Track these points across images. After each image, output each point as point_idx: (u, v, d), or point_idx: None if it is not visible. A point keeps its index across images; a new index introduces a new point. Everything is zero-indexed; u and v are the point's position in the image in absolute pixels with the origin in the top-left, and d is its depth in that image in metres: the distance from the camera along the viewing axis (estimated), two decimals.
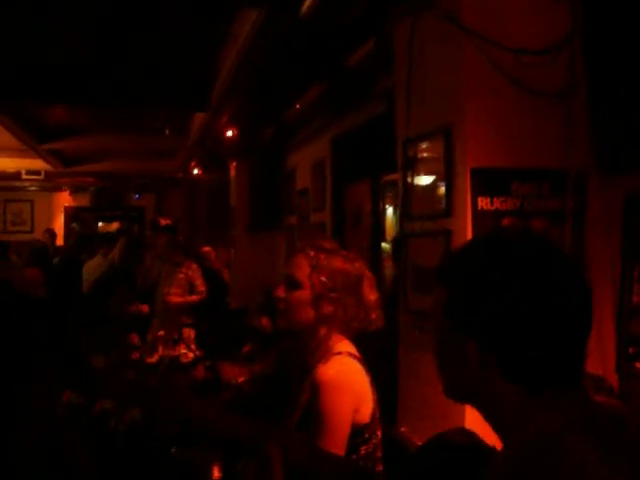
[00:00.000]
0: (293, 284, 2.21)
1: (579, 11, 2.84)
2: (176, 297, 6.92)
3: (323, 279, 2.17)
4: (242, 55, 5.05)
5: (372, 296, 2.23)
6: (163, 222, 8.05)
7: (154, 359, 6.25)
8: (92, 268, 8.92)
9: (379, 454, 2.17)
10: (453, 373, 1.16)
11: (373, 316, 2.24)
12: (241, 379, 4.89)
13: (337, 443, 2.02)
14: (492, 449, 1.35)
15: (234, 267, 9.34)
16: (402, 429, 3.45)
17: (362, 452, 2.10)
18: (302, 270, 2.20)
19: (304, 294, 2.19)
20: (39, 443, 1.84)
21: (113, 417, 1.97)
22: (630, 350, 2.94)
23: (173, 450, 3.27)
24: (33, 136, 9.13)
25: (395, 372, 3.61)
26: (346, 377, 2.12)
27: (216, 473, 3.16)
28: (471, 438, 1.44)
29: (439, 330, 1.18)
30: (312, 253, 2.22)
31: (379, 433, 2.18)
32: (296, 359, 2.40)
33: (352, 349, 2.22)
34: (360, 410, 2.10)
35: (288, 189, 8.19)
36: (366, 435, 2.11)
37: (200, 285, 7.07)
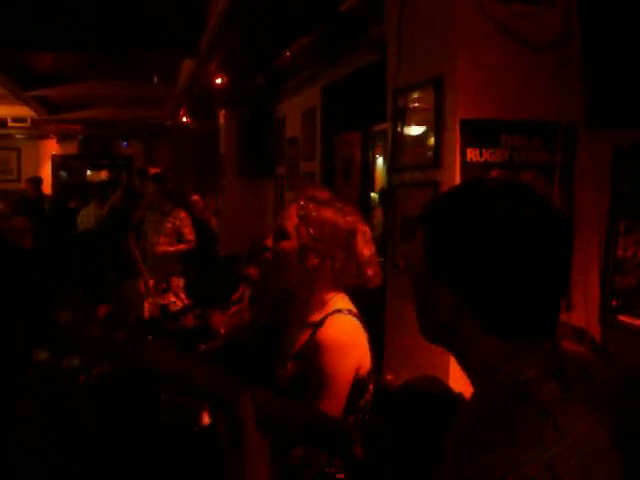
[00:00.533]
0: (281, 234, 2.17)
1: None
2: (164, 246, 6.92)
3: (310, 230, 2.12)
4: (231, 2, 4.97)
5: (366, 251, 2.17)
6: (152, 170, 7.98)
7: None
8: (85, 217, 8.87)
9: (368, 407, 2.15)
10: (428, 318, 1.17)
11: (369, 272, 2.18)
12: (231, 327, 4.94)
13: (337, 403, 2.02)
14: (459, 396, 1.37)
15: (223, 215, 9.33)
16: (388, 377, 3.50)
17: (361, 404, 2.10)
18: (290, 221, 2.16)
19: (290, 244, 2.15)
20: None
21: (82, 372, 1.96)
22: (614, 302, 2.98)
23: (162, 397, 3.31)
24: (18, 82, 8.99)
25: (382, 322, 3.64)
26: (348, 338, 2.08)
27: (206, 419, 3.20)
28: (438, 385, 1.46)
29: (416, 274, 1.17)
30: (302, 203, 2.17)
31: (371, 387, 2.17)
32: (286, 309, 2.40)
33: (349, 305, 2.18)
34: (361, 368, 2.09)
35: (278, 138, 8.14)
36: (362, 390, 2.10)
37: (189, 234, 7.06)
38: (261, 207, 8.79)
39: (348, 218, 2.17)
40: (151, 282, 6.69)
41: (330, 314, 2.12)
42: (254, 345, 3.80)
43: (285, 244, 2.16)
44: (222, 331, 5.15)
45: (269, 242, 2.21)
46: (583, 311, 2.99)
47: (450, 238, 1.09)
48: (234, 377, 1.59)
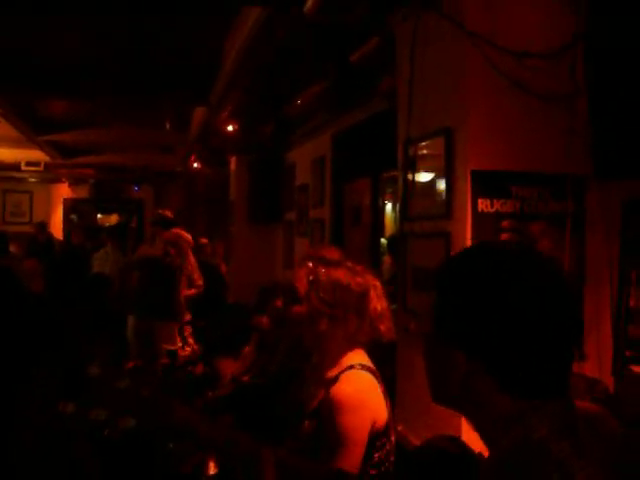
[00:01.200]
0: (292, 298, 2.18)
1: (583, 16, 2.85)
2: None
3: (321, 295, 2.11)
4: (244, 51, 5.05)
5: (379, 306, 2.17)
6: (167, 215, 7.98)
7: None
8: (99, 261, 8.83)
9: (392, 458, 2.14)
10: (440, 379, 1.18)
11: (382, 328, 2.18)
12: (239, 375, 4.91)
13: (352, 460, 2.00)
14: (478, 455, 1.37)
15: (232, 262, 9.34)
16: (398, 427, 3.47)
17: (375, 459, 2.09)
18: (301, 284, 2.16)
19: (301, 309, 2.15)
20: (39, 446, 1.85)
21: (107, 426, 1.97)
22: (627, 353, 2.96)
23: (170, 446, 3.29)
24: (32, 127, 9.13)
25: (393, 371, 3.63)
26: (362, 394, 2.08)
27: (212, 469, 3.18)
28: (457, 445, 1.46)
29: (428, 335, 1.19)
30: (312, 265, 2.17)
31: (393, 438, 2.16)
32: (299, 365, 2.39)
33: (364, 359, 2.18)
34: (376, 423, 2.08)
35: (288, 184, 8.20)
36: (378, 443, 2.09)
37: (198, 279, 7.07)
38: (270, 253, 8.81)
39: (359, 279, 2.17)
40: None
41: (343, 371, 2.12)
42: (262, 394, 3.78)
43: (297, 309, 2.16)
44: (230, 379, 5.13)
45: (279, 303, 2.21)
46: (596, 361, 2.97)
47: (461, 300, 1.12)
48: (252, 436, 1.60)
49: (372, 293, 2.17)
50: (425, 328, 1.20)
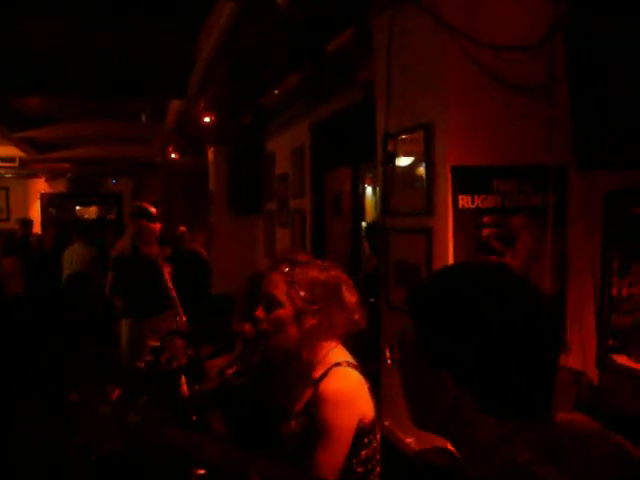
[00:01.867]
0: (272, 304, 2.20)
1: (562, 6, 2.82)
2: None
3: (302, 293, 2.16)
4: (220, 43, 5.00)
5: (352, 298, 2.23)
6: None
7: None
8: (75, 256, 8.50)
9: (378, 456, 2.19)
10: (425, 403, 1.17)
11: (356, 317, 2.24)
12: (225, 368, 4.89)
13: (338, 454, 2.04)
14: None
15: (213, 252, 9.30)
16: (385, 423, 3.47)
17: (362, 456, 2.11)
18: (279, 288, 2.19)
19: (285, 312, 2.18)
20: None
21: (92, 451, 1.95)
22: (610, 342, 2.97)
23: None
24: (5, 125, 8.99)
25: (377, 365, 3.62)
26: (349, 391, 2.11)
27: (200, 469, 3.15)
28: (445, 457, 1.45)
29: (409, 361, 1.18)
30: (286, 269, 2.21)
31: (378, 436, 2.20)
32: (282, 363, 2.39)
33: (348, 356, 2.22)
34: (363, 419, 2.10)
35: (267, 174, 8.15)
36: (366, 440, 2.12)
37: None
38: (251, 243, 8.78)
39: (332, 272, 2.24)
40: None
41: (330, 368, 2.15)
42: (247, 392, 3.77)
43: (280, 312, 2.19)
44: (215, 373, 5.11)
45: (260, 313, 2.22)
46: (580, 353, 2.98)
47: (443, 323, 1.11)
48: (241, 450, 1.59)
49: (344, 286, 2.23)
50: (404, 353, 1.18)
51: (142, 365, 5.73)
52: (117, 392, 1.71)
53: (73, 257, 8.46)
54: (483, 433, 1.09)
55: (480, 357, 1.07)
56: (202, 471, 3.07)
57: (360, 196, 6.39)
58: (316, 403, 2.08)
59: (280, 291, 2.19)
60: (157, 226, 6.99)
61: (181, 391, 4.19)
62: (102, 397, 1.69)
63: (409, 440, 3.28)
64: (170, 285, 6.74)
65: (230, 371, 4.78)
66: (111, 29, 5.33)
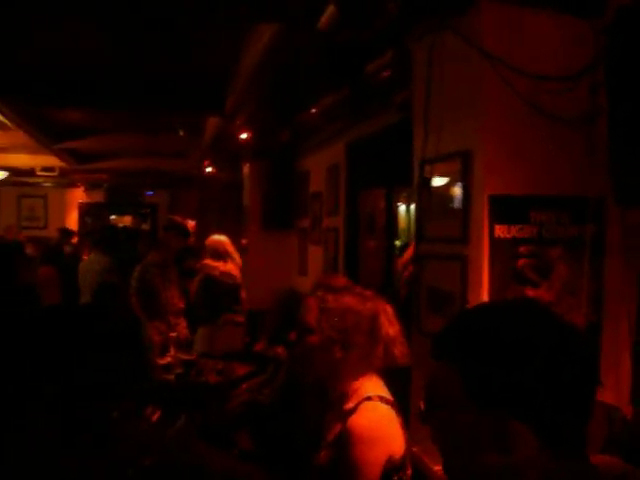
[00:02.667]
0: (304, 329, 2.19)
1: (602, 38, 2.80)
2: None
3: (333, 321, 2.13)
4: (259, 63, 5.04)
5: (391, 331, 2.19)
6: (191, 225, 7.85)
7: (165, 360, 6.27)
8: (88, 266, 8.11)
9: None
10: (471, 449, 1.13)
11: (396, 352, 2.20)
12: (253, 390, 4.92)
13: None
14: None
15: (247, 267, 9.33)
16: (414, 449, 3.44)
17: None
18: (312, 314, 2.17)
19: (314, 339, 2.16)
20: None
21: (129, 465, 1.98)
22: None
23: None
24: (47, 136, 9.15)
25: (407, 391, 3.60)
26: (378, 428, 2.08)
27: None
28: None
29: (452, 408, 1.15)
30: (321, 294, 2.19)
31: (409, 472, 2.16)
32: (312, 390, 2.39)
33: (382, 390, 2.19)
34: (393, 456, 2.07)
35: (301, 191, 8.19)
36: (395, 477, 2.08)
37: None
38: (285, 259, 8.80)
39: (369, 303, 2.19)
40: (173, 334, 6.68)
41: (361, 402, 2.11)
42: (276, 415, 3.78)
43: (310, 339, 2.18)
44: (243, 387, 5.16)
45: (292, 336, 2.21)
46: (614, 387, 2.93)
47: (498, 362, 1.10)
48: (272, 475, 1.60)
49: (383, 317, 2.19)
50: (444, 401, 1.16)
51: (172, 378, 5.77)
52: (158, 413, 1.73)
53: (87, 266, 8.19)
54: (541, 466, 1.08)
55: (537, 393, 1.07)
56: None
57: (394, 216, 6.40)
58: (344, 438, 2.04)
59: (312, 317, 2.17)
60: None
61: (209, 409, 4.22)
62: (143, 416, 1.71)
63: (437, 468, 3.25)
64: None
65: (257, 392, 4.81)
66: (154, 46, 5.40)
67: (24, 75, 6.16)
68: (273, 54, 4.74)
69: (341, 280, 2.29)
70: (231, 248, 7.36)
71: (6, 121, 7.64)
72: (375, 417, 2.09)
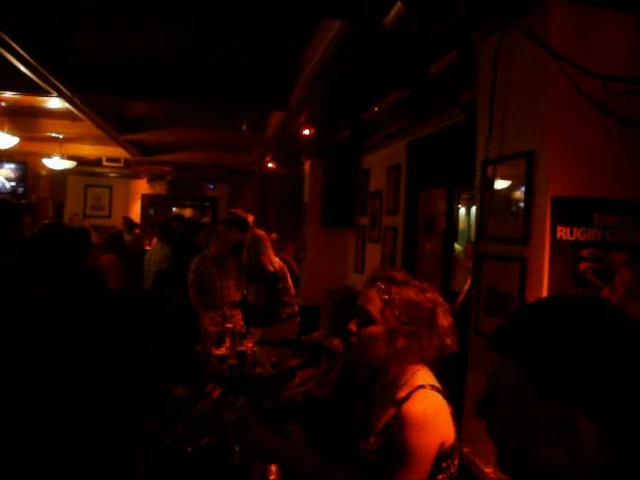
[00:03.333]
0: (366, 319, 2.21)
1: None
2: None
3: (396, 313, 2.17)
4: (324, 59, 5.07)
5: (446, 322, 2.22)
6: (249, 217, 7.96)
7: (221, 351, 6.37)
8: (151, 255, 8.66)
9: None
10: (533, 446, 1.12)
11: (448, 342, 2.23)
12: (307, 382, 4.95)
13: (419, 478, 2.03)
14: None
15: (305, 263, 9.40)
16: (465, 450, 3.43)
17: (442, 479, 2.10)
18: (374, 304, 2.20)
19: (377, 329, 2.19)
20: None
21: (189, 443, 2.03)
22: None
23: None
24: (115, 127, 9.37)
25: (461, 390, 3.59)
26: (432, 414, 2.10)
27: (273, 474, 3.20)
28: None
29: (516, 406, 1.13)
30: (383, 286, 2.21)
31: (456, 461, 2.18)
32: (367, 380, 2.41)
33: (433, 379, 2.21)
34: (444, 444, 2.10)
35: (361, 189, 8.21)
36: (444, 464, 2.11)
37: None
38: (342, 257, 8.84)
39: (428, 295, 2.23)
40: (229, 325, 6.76)
41: (414, 390, 2.15)
42: (329, 408, 3.81)
43: (372, 329, 2.20)
44: (295, 382, 5.21)
45: (353, 326, 2.24)
46: None
47: (570, 358, 1.09)
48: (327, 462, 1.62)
49: (439, 309, 2.23)
50: (506, 395, 1.15)
51: (226, 368, 5.85)
52: (218, 391, 1.77)
53: (150, 256, 8.70)
54: (603, 461, 1.07)
55: (607, 389, 1.06)
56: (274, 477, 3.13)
57: (454, 217, 6.35)
58: (398, 424, 2.08)
59: (375, 308, 2.19)
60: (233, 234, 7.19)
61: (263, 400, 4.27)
62: (203, 394, 1.75)
63: (488, 470, 3.23)
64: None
65: (312, 383, 4.84)
66: (221, 40, 5.49)
67: (95, 68, 6.33)
68: (338, 51, 4.75)
69: (402, 273, 2.31)
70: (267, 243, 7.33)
71: (77, 112, 7.86)
72: (429, 403, 2.12)
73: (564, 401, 1.07)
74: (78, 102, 7.25)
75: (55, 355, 2.86)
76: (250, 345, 6.76)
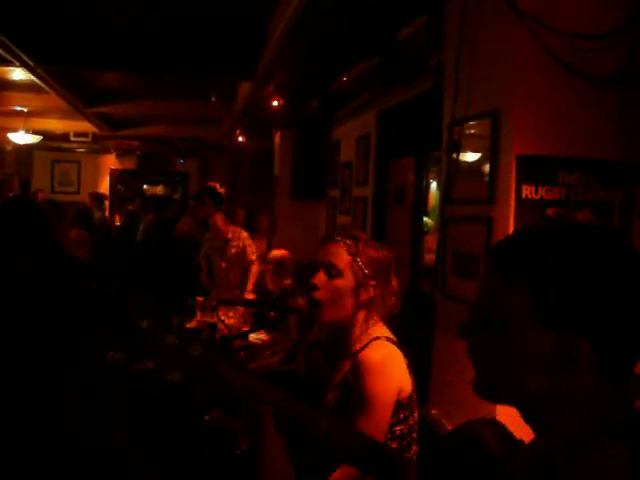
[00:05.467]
0: (333, 273, 2.22)
1: None
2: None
3: (363, 267, 2.21)
4: (291, 27, 5.00)
5: (395, 282, 2.30)
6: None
7: (192, 325, 6.34)
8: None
9: (415, 435, 2.21)
10: (521, 371, 1.07)
11: (394, 300, 2.29)
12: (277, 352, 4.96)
13: (379, 425, 2.07)
14: (521, 443, 1.31)
15: (276, 235, 9.37)
16: (433, 411, 3.45)
17: (397, 432, 2.14)
18: (342, 259, 2.23)
19: (346, 283, 2.22)
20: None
21: (154, 377, 2.01)
22: None
23: (206, 418, 3.32)
24: (81, 99, 9.21)
25: (428, 355, 3.60)
26: (387, 361, 2.15)
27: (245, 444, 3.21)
28: (499, 431, 1.39)
29: (511, 324, 1.07)
30: (350, 242, 2.25)
31: (416, 415, 2.22)
32: (333, 338, 2.42)
33: (388, 332, 2.26)
34: (401, 392, 2.14)
35: (332, 161, 8.17)
36: (401, 415, 2.14)
37: (250, 254, 7.25)
38: (313, 229, 8.81)
39: (386, 253, 2.31)
40: (200, 298, 6.76)
41: (371, 341, 2.19)
42: (298, 379, 3.82)
43: (340, 282, 2.22)
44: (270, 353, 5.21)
45: (318, 280, 2.24)
46: None
47: (579, 288, 1.03)
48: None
49: (393, 268, 2.32)
50: (504, 316, 1.08)
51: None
52: (184, 324, 1.74)
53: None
54: (593, 396, 1.03)
55: (615, 319, 1.01)
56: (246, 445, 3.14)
57: (423, 188, 6.33)
58: (355, 373, 2.11)
59: (342, 262, 2.22)
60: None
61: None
62: (169, 327, 1.72)
63: None
64: None
65: (282, 354, 4.84)
66: (186, 8, 5.40)
67: (59, 38, 6.20)
68: (304, 16, 4.69)
69: (364, 234, 2.41)
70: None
71: (41, 84, 7.71)
72: (385, 352, 2.17)
73: (564, 328, 1.03)
74: (41, 73, 7.10)
75: (27, 329, 2.85)
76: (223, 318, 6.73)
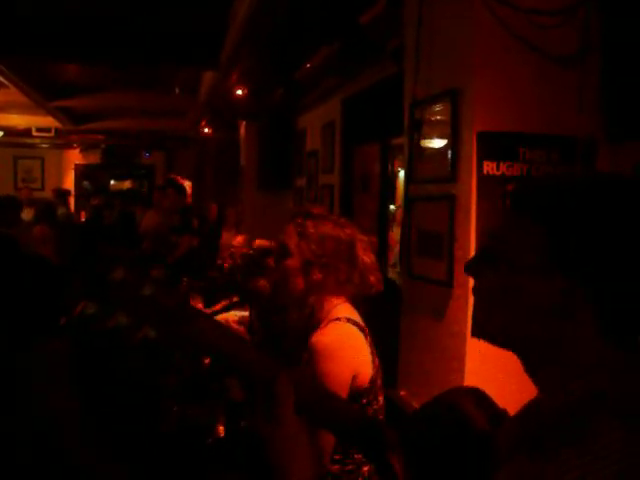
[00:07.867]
0: (283, 252, 2.23)
1: None
2: None
3: (312, 246, 2.18)
4: (252, 13, 4.97)
5: (367, 258, 2.23)
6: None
7: None
8: None
9: (380, 419, 2.15)
10: (521, 315, 1.06)
11: (371, 279, 2.23)
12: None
13: None
14: (505, 412, 1.28)
15: (243, 227, 9.32)
16: (401, 393, 3.45)
17: None
18: (291, 238, 2.22)
19: (293, 262, 2.20)
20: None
21: (126, 332, 1.97)
22: None
23: (175, 409, 3.29)
24: (42, 93, 9.07)
25: (397, 337, 3.60)
26: (340, 344, 2.09)
27: (221, 431, 3.18)
28: (480, 399, 1.36)
29: (521, 267, 1.06)
30: (300, 220, 2.23)
31: (381, 398, 2.18)
32: (289, 315, 2.39)
33: (352, 313, 2.21)
34: (358, 376, 2.08)
35: (298, 150, 8.14)
36: (364, 400, 2.09)
37: None
38: (281, 219, 8.74)
39: (347, 230, 2.25)
40: None
41: (328, 322, 2.15)
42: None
43: (288, 261, 2.21)
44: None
45: (271, 261, 2.24)
46: None
47: (592, 239, 1.00)
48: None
49: (359, 245, 2.24)
50: (513, 256, 1.06)
51: None
52: (160, 272, 1.70)
53: None
54: (587, 358, 1.01)
55: (624, 274, 0.98)
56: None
57: (389, 174, 6.32)
58: (309, 356, 2.07)
59: (292, 241, 2.21)
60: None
61: None
62: (144, 277, 1.68)
63: None
64: None
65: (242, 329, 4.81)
66: None
67: (18, 29, 6.08)
68: (264, 4, 4.67)
69: (320, 209, 2.33)
70: None
71: (0, 78, 7.57)
72: (338, 334, 2.12)
73: (576, 278, 1.00)
74: (0, 67, 6.98)
75: None
76: None
